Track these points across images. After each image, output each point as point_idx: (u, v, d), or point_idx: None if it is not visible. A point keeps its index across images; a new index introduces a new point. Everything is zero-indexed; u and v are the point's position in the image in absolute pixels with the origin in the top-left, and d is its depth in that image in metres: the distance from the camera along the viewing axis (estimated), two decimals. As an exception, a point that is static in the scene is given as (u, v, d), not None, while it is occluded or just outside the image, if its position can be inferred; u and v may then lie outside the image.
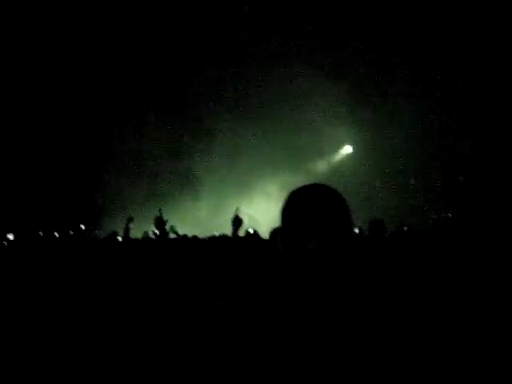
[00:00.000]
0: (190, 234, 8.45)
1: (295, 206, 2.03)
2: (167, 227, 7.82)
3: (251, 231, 7.72)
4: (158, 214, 7.79)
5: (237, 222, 7.73)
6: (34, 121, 18.66)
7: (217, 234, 9.37)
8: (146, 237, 9.89)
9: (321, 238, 1.92)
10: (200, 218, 18.39)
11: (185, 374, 3.64)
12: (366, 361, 1.77)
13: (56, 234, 11.12)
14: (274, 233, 5.46)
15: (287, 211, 2.03)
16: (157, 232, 8.00)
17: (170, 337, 4.18)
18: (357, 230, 9.44)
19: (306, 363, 1.76)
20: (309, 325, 1.80)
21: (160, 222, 7.67)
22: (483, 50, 16.59)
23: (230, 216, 8.02)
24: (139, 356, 4.17)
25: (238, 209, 8.36)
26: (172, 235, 8.16)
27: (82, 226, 12.39)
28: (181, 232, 8.68)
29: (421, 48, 17.59)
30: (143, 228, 10.97)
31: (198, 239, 7.95)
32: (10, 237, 10.70)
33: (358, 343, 1.79)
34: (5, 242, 10.07)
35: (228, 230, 8.27)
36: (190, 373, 3.50)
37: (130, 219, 8.61)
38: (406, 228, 8.52)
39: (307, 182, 2.16)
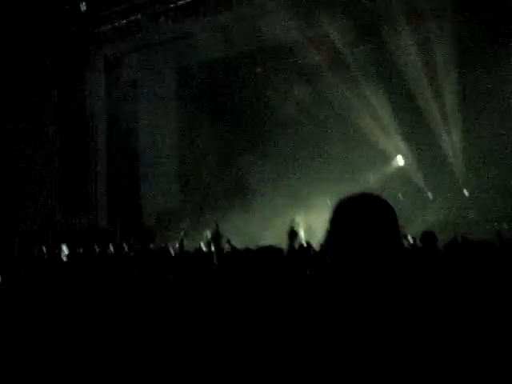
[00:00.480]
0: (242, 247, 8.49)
1: (344, 216, 1.95)
2: (223, 241, 7.87)
3: (304, 243, 7.72)
4: (214, 229, 7.84)
5: (292, 234, 7.71)
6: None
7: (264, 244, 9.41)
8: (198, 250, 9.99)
9: (370, 250, 1.86)
10: (252, 230, 18.51)
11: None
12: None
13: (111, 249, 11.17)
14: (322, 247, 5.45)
15: (336, 221, 1.95)
16: (204, 246, 8.03)
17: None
18: (411, 240, 9.36)
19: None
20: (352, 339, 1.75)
21: (216, 237, 7.75)
22: None
23: (283, 228, 7.98)
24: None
25: (293, 221, 8.31)
26: (227, 248, 8.16)
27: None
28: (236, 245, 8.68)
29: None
30: (196, 241, 11.10)
31: (250, 251, 7.96)
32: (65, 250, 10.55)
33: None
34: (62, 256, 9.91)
35: (280, 242, 8.32)
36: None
37: (184, 233, 8.76)
38: (459, 239, 8.42)
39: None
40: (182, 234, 8.93)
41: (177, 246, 8.69)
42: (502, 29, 17.00)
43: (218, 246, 7.81)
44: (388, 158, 20.80)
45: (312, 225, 16.88)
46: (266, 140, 20.66)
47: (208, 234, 8.43)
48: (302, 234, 8.85)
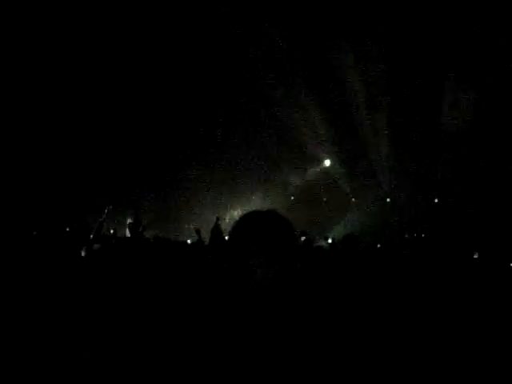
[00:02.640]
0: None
1: (242, 234, 2.01)
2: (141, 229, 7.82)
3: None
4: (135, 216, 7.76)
5: (215, 231, 7.81)
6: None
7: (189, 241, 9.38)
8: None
9: (267, 267, 1.93)
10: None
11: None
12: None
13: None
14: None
15: (234, 239, 2.01)
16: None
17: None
18: (329, 241, 9.54)
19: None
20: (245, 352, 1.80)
21: (136, 224, 7.67)
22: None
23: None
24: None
25: (218, 219, 8.46)
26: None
27: None
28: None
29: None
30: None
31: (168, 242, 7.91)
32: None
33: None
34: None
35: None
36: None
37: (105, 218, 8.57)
38: (378, 245, 8.63)
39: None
40: (102, 218, 8.75)
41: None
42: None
43: (135, 232, 7.71)
44: (318, 161, 21.13)
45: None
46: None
47: (130, 220, 8.31)
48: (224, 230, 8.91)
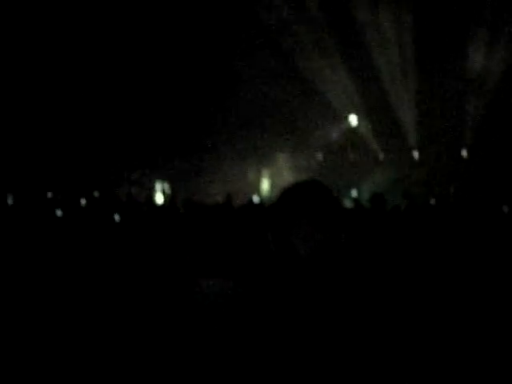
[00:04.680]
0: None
1: (284, 203, 2.03)
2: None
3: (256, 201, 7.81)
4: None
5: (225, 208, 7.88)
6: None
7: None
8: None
9: (306, 236, 1.96)
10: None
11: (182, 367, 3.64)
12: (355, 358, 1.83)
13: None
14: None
15: (276, 209, 2.04)
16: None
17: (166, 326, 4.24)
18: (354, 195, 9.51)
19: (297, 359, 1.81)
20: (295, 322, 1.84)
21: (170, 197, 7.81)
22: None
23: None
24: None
25: (229, 196, 8.54)
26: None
27: None
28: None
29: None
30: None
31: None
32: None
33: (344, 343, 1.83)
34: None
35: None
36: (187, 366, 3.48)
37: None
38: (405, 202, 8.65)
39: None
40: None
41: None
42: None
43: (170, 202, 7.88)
44: (342, 117, 20.86)
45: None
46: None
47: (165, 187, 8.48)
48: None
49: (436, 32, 17.54)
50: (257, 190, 18.60)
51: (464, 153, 19.25)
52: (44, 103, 18.78)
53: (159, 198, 9.49)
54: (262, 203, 7.92)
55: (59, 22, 17.90)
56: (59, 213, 8.63)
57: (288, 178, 17.92)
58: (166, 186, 16.31)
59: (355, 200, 8.86)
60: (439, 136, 18.63)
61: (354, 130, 20.74)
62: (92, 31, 18.46)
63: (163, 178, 17.64)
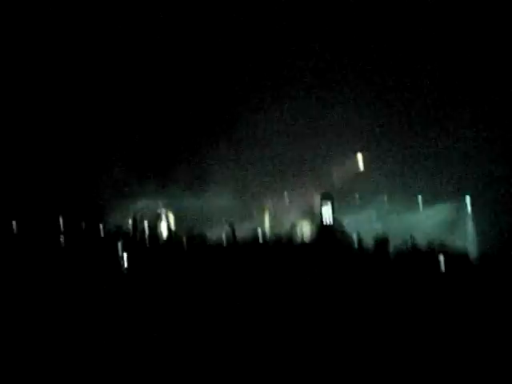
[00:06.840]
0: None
1: None
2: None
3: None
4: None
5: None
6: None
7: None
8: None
9: None
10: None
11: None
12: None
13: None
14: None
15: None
16: None
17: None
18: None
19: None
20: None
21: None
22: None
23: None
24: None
25: (232, 225, 8.52)
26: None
27: None
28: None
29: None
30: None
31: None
32: None
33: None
34: None
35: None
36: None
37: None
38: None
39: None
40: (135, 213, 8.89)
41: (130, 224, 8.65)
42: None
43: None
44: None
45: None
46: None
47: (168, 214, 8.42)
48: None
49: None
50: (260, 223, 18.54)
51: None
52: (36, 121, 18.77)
53: (163, 229, 9.44)
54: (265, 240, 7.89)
55: (59, 22, 17.99)
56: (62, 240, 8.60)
57: (293, 216, 17.90)
58: (171, 217, 16.21)
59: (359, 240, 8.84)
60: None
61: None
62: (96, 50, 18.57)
63: (166, 207, 17.52)
